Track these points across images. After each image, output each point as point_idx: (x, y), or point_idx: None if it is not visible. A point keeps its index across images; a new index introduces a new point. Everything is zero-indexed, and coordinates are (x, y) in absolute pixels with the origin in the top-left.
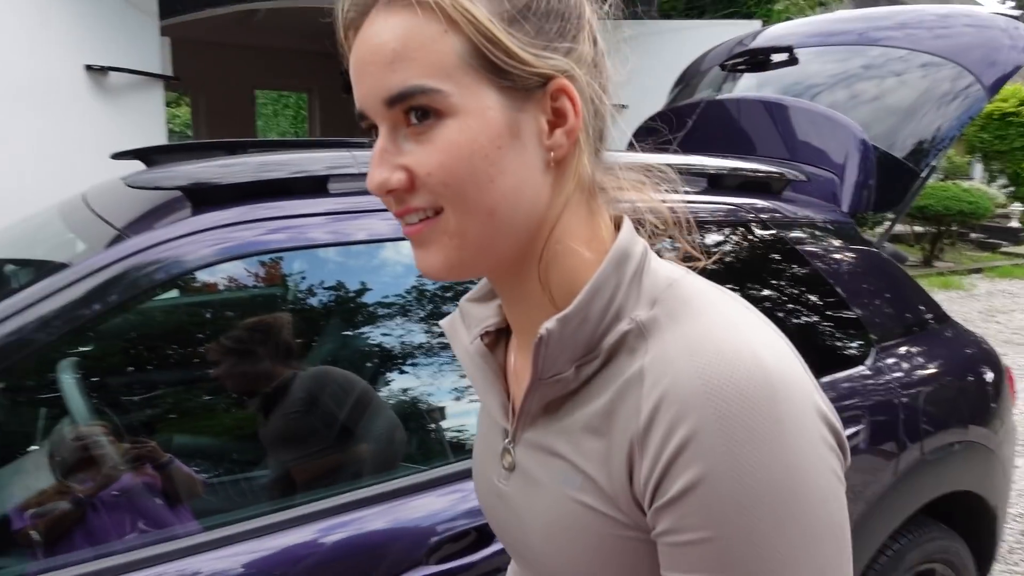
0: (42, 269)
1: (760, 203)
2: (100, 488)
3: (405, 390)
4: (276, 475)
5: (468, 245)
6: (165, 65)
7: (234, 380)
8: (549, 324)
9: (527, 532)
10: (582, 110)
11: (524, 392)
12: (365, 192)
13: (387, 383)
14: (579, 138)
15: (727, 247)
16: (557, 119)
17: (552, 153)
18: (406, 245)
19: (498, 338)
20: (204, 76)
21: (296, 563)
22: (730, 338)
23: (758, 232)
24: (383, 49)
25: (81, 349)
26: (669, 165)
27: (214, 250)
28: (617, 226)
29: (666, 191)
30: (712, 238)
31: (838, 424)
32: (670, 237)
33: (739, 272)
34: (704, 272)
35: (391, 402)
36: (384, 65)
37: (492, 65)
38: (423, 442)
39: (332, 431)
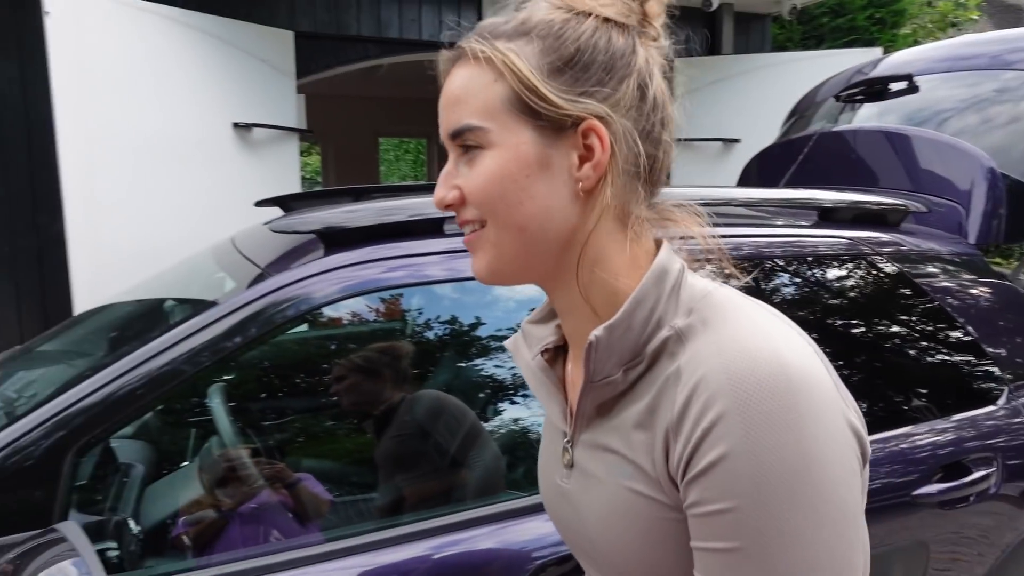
0: (195, 306)
1: (879, 235)
2: (240, 502)
3: (516, 420)
4: (389, 492)
5: (505, 255)
6: (300, 119)
7: (353, 397)
8: (597, 332)
9: (585, 524)
10: (611, 147)
11: (578, 395)
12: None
13: (496, 412)
14: (606, 172)
15: (847, 282)
16: (588, 154)
17: (580, 184)
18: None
19: (556, 354)
20: (332, 126)
21: None
22: (754, 339)
23: (878, 265)
24: (451, 95)
25: (226, 377)
26: (780, 199)
27: (342, 287)
28: (658, 248)
29: (705, 223)
30: (831, 273)
31: (856, 421)
32: (708, 261)
33: (859, 307)
34: (825, 306)
35: (501, 431)
36: (451, 107)
37: (529, 108)
38: (530, 470)
39: (444, 455)
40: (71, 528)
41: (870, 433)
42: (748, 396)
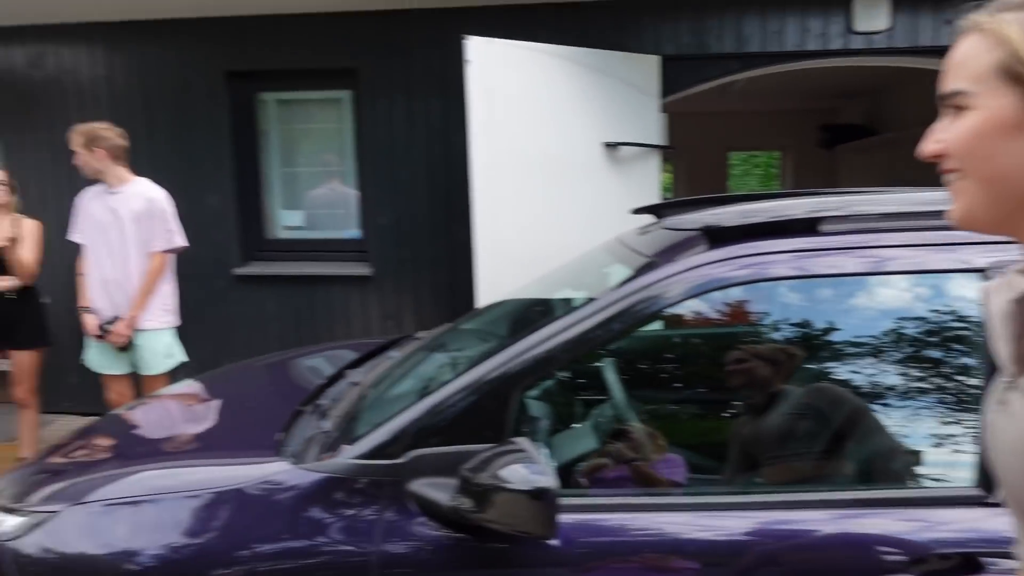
0: (578, 303)
1: None
2: (619, 458)
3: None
4: (769, 465)
5: (975, 205)
6: (662, 137)
7: (744, 379)
8: None
9: (999, 452)
10: None
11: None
12: (855, 232)
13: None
14: None
15: None
16: None
17: None
18: (880, 280)
19: None
20: (685, 142)
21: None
22: None
23: None
24: (951, 62)
25: (618, 356)
26: None
27: (736, 274)
28: None
29: None
30: None
31: None
32: None
33: None
34: None
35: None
36: (948, 72)
37: (1017, 76)
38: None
39: (822, 438)
40: (526, 442)
41: None
42: None
